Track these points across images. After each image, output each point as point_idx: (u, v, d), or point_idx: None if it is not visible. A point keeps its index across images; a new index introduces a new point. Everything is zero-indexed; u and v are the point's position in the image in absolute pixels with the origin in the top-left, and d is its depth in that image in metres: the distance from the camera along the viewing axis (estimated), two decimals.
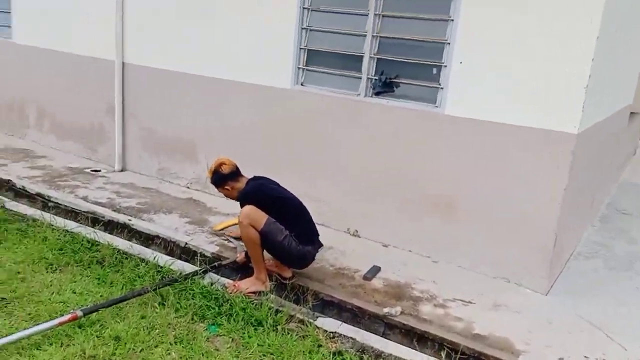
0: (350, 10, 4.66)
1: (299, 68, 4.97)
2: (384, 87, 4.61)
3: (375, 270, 4.16)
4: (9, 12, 6.78)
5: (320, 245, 3.90)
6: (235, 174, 3.87)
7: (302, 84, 4.99)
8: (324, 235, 4.19)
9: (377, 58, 4.62)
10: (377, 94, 4.65)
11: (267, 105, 5.14)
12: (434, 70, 4.38)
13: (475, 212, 4.26)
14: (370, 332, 3.46)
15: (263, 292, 3.70)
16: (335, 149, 4.85)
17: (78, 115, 6.44)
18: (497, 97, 4.07)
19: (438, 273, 4.22)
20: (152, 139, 5.94)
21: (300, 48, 4.92)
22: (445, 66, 4.26)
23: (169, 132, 5.81)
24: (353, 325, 3.51)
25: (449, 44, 4.21)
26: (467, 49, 4.13)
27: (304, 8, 4.84)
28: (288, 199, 3.84)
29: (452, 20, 4.16)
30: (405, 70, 4.52)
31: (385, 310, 3.57)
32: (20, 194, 5.29)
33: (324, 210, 4.92)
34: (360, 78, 4.68)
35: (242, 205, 3.70)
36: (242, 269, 4.05)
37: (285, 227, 3.66)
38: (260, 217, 3.60)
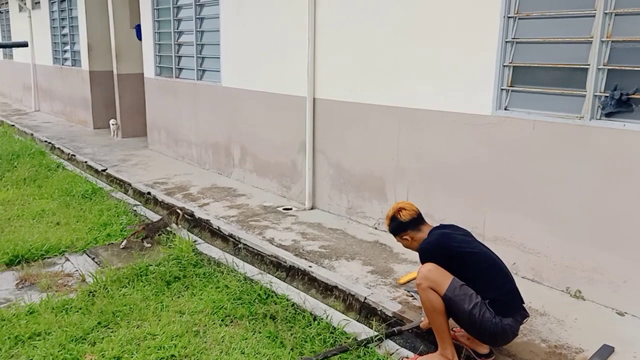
0: (570, 12, 3.70)
1: (502, 89, 4.12)
2: (619, 105, 3.50)
3: (606, 351, 3.07)
4: (218, 58, 7.22)
5: (526, 315, 2.99)
6: (417, 221, 3.21)
7: (506, 108, 4.12)
8: (535, 295, 3.28)
9: (608, 69, 3.55)
10: (609, 115, 3.56)
11: (464, 136, 4.38)
12: None
13: None
14: None
15: None
16: (551, 187, 3.85)
17: (275, 153, 6.48)
18: None
19: None
20: (340, 175, 5.61)
21: (504, 65, 4.08)
22: None
23: (357, 168, 5.41)
24: None
25: None
26: None
27: (508, 17, 4.00)
28: (481, 254, 3.03)
29: None
30: None
31: None
32: (216, 234, 5.40)
33: (536, 263, 3.94)
34: (584, 96, 3.65)
35: (422, 262, 3.02)
36: (426, 336, 3.34)
37: (477, 292, 2.87)
38: (443, 279, 2.87)
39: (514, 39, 4.02)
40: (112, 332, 3.58)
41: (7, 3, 15.63)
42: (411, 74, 4.74)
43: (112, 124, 10.43)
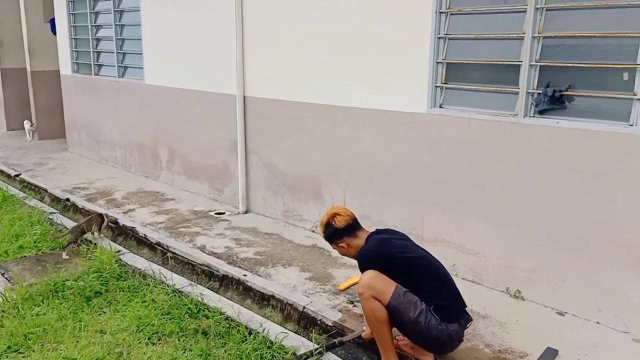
0: (501, 7, 3.66)
1: (436, 87, 4.05)
2: (552, 102, 3.49)
3: (550, 354, 3.04)
4: (141, 54, 6.79)
5: (469, 319, 2.90)
6: (352, 227, 3.04)
7: (441, 106, 4.05)
8: (476, 296, 3.21)
9: (540, 66, 3.54)
10: (542, 112, 3.55)
11: (400, 135, 4.28)
12: (625, 76, 3.19)
13: None
14: None
15: None
16: (488, 186, 3.81)
17: (205, 154, 6.16)
18: None
19: None
20: (275, 177, 5.39)
21: (437, 62, 4.01)
22: None
23: (292, 169, 5.21)
24: None
25: None
26: None
27: (440, 12, 3.93)
28: (421, 258, 2.91)
29: None
30: (582, 78, 3.39)
31: None
32: (143, 242, 5.03)
33: (475, 264, 3.90)
34: (517, 93, 3.62)
35: (361, 270, 2.86)
36: (369, 346, 3.20)
37: (421, 299, 2.74)
38: (386, 287, 2.73)
39: (446, 34, 3.95)
40: (23, 357, 3.21)
41: None
42: (346, 71, 4.59)
43: (27, 125, 9.63)
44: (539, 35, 3.50)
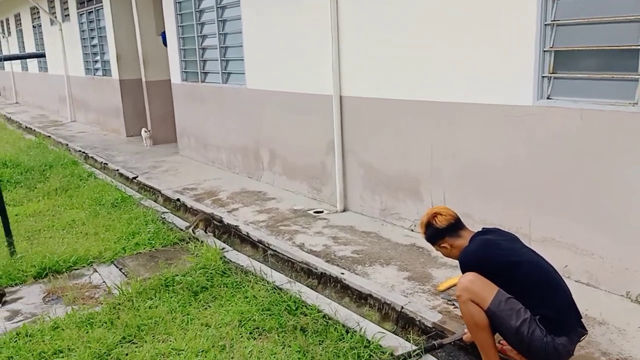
0: None
1: (543, 77, 3.79)
2: None
3: None
4: (242, 60, 7.06)
5: (584, 333, 2.66)
6: (455, 227, 2.91)
7: (549, 97, 3.79)
8: (591, 301, 2.97)
9: None
10: None
11: (502, 130, 4.06)
12: None
13: None
14: None
15: None
16: (605, 183, 3.50)
17: (303, 155, 6.27)
18: None
19: None
20: (372, 176, 5.35)
21: (545, 50, 3.75)
22: None
23: (389, 167, 5.14)
24: None
25: None
26: None
27: None
28: (531, 263, 2.70)
29: None
30: None
31: None
32: (245, 240, 5.22)
33: (590, 265, 3.60)
34: (637, 80, 3.29)
35: (462, 271, 2.73)
36: (471, 350, 3.06)
37: (526, 306, 2.56)
38: (487, 291, 2.58)
39: (553, 21, 3.69)
40: (136, 347, 3.42)
41: (39, 17, 15.93)
42: (443, 64, 4.44)
43: (144, 132, 10.41)
44: None
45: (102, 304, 4.03)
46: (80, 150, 10.27)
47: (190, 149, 8.98)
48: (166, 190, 6.96)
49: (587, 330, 2.68)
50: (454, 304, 3.52)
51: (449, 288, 3.75)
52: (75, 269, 4.74)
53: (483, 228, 2.95)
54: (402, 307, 3.54)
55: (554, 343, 2.54)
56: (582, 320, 2.68)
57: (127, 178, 8.00)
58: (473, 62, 4.19)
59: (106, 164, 8.94)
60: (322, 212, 5.71)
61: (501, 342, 2.85)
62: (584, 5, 3.55)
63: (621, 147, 3.38)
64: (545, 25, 3.72)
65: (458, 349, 3.17)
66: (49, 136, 12.33)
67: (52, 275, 4.58)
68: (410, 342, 3.20)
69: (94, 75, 12.82)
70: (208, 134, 8.31)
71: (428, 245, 4.33)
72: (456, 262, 3.18)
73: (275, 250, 4.77)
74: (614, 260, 3.49)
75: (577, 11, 3.58)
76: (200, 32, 7.93)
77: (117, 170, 8.43)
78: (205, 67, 8.07)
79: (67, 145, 11.03)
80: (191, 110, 8.70)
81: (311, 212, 5.74)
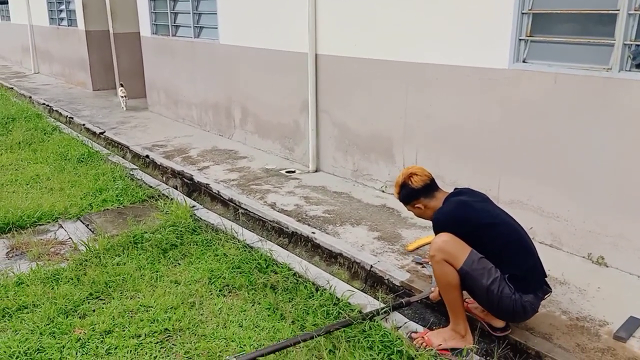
0: None
1: (520, 40, 3.77)
2: None
3: (633, 324, 2.83)
4: (215, 13, 6.83)
5: (548, 291, 2.73)
6: (430, 187, 2.89)
7: (524, 61, 3.78)
8: (554, 262, 3.03)
9: None
10: None
11: (477, 92, 4.05)
12: None
13: None
14: None
15: (462, 350, 2.72)
16: (574, 146, 3.54)
17: (276, 113, 6.17)
18: None
19: None
20: (345, 136, 5.31)
21: (523, 13, 3.71)
22: None
23: (363, 128, 5.11)
24: None
25: None
26: None
27: None
28: (503, 225, 2.73)
29: None
30: None
31: None
32: (216, 198, 5.16)
33: (555, 228, 3.68)
34: (612, 45, 3.30)
35: (436, 232, 2.75)
36: (436, 307, 3.12)
37: (496, 266, 2.61)
38: (460, 251, 2.61)
39: None
40: (103, 304, 3.38)
41: None
42: (420, 24, 4.37)
43: (121, 92, 9.28)
44: None
45: (68, 260, 3.95)
46: (44, 103, 9.93)
47: (160, 105, 8.76)
48: (135, 147, 6.81)
49: (551, 289, 2.76)
50: (422, 264, 3.57)
51: (417, 248, 3.79)
52: (40, 225, 4.62)
53: (455, 189, 2.96)
54: (372, 266, 3.57)
55: (521, 301, 2.60)
56: (546, 279, 2.75)
57: (93, 133, 7.78)
58: (451, 24, 4.14)
59: (72, 118, 8.67)
60: (294, 172, 5.68)
61: (466, 300, 2.91)
62: None
63: (592, 113, 3.41)
64: None
65: (425, 307, 3.23)
66: (12, 88, 11.86)
67: (16, 231, 4.47)
68: (378, 300, 3.24)
69: (59, 25, 12.30)
70: (179, 89, 8.10)
71: (398, 206, 4.40)
72: (425, 223, 3.21)
73: (246, 209, 4.74)
74: (578, 223, 3.58)
75: None
76: None
77: (83, 124, 8.19)
78: (177, 20, 7.80)
79: (30, 97, 10.64)
80: (161, 65, 8.44)
81: (283, 171, 5.70)
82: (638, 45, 3.19)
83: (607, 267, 3.46)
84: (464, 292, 2.74)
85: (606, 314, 2.95)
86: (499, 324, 2.85)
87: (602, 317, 2.93)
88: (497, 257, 2.62)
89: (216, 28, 6.90)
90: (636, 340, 2.73)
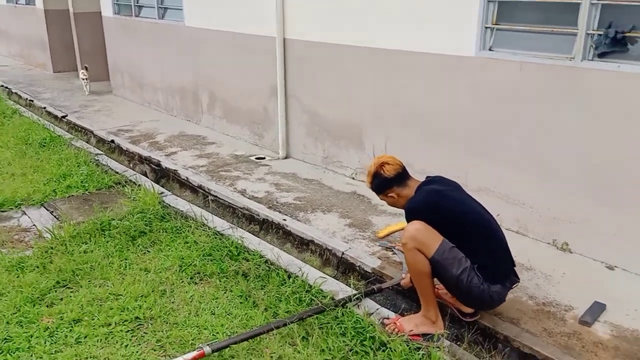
0: None
1: (486, 28, 3.82)
2: (613, 45, 3.25)
3: (598, 308, 2.95)
4: None
5: (516, 281, 2.81)
6: (402, 176, 2.91)
7: (490, 49, 3.84)
8: (520, 248, 3.12)
9: (602, 4, 3.27)
10: (602, 55, 3.31)
11: (445, 80, 4.10)
12: None
13: None
14: None
15: (433, 336, 2.79)
16: (539, 134, 3.63)
17: (245, 98, 6.11)
18: None
19: None
20: (315, 122, 5.31)
21: (488, 0, 3.76)
22: None
23: (332, 114, 5.11)
24: None
25: None
26: None
27: None
28: (473, 214, 2.77)
29: None
30: None
31: None
32: (184, 185, 5.10)
33: (520, 214, 3.79)
34: (576, 34, 3.38)
35: (408, 220, 2.79)
36: (408, 294, 3.19)
37: (467, 255, 2.66)
38: (432, 240, 2.65)
39: None
40: (71, 292, 3.32)
41: None
42: (388, 10, 4.38)
43: (83, 75, 8.92)
44: None
45: (32, 247, 3.86)
46: (2, 85, 9.57)
47: (125, 88, 8.55)
48: (99, 131, 6.65)
49: (519, 279, 2.84)
50: (392, 251, 3.63)
51: (388, 235, 3.85)
52: (2, 211, 4.49)
53: (427, 177, 2.99)
54: (343, 253, 3.61)
55: (489, 290, 2.67)
56: (515, 269, 2.83)
57: (55, 117, 7.55)
58: (419, 11, 4.16)
59: (32, 100, 8.39)
60: (264, 158, 5.65)
61: (437, 286, 2.98)
62: None
63: (557, 101, 3.50)
64: None
65: (396, 293, 3.29)
66: None
67: None
68: (350, 286, 3.29)
69: (16, 3, 11.80)
70: (144, 73, 7.92)
71: (369, 193, 4.44)
72: (396, 210, 3.24)
73: (215, 196, 4.70)
74: (543, 209, 3.69)
75: None
76: None
77: (44, 108, 7.94)
78: (140, 0, 7.59)
79: None
80: (125, 47, 8.22)
81: (253, 158, 5.67)
82: (600, 35, 3.28)
83: (572, 253, 3.58)
84: (434, 279, 2.80)
85: (571, 299, 3.06)
86: (468, 309, 2.92)
87: (567, 302, 3.04)
88: (467, 246, 2.67)
89: (181, 9, 6.75)
90: (601, 325, 2.84)
